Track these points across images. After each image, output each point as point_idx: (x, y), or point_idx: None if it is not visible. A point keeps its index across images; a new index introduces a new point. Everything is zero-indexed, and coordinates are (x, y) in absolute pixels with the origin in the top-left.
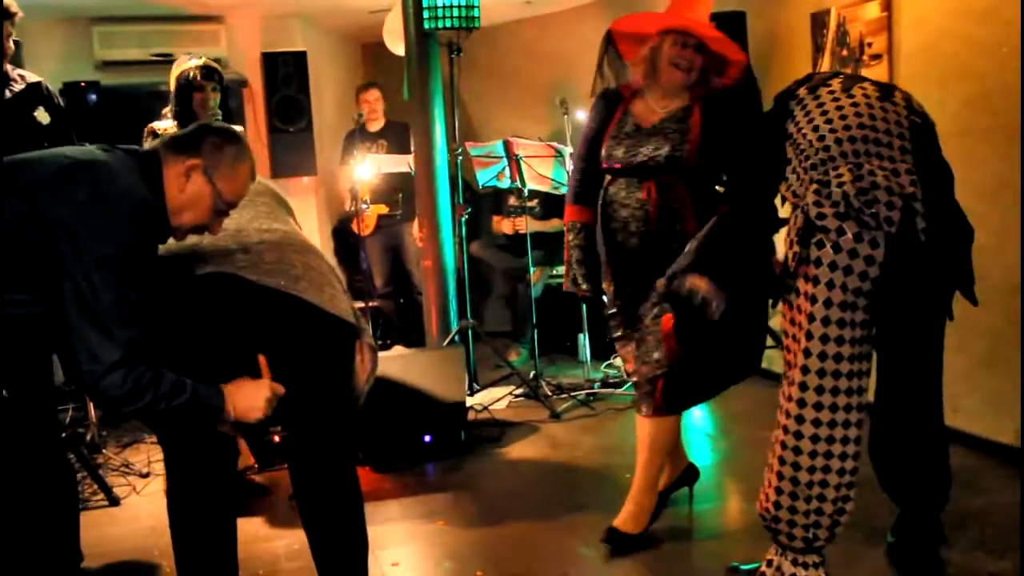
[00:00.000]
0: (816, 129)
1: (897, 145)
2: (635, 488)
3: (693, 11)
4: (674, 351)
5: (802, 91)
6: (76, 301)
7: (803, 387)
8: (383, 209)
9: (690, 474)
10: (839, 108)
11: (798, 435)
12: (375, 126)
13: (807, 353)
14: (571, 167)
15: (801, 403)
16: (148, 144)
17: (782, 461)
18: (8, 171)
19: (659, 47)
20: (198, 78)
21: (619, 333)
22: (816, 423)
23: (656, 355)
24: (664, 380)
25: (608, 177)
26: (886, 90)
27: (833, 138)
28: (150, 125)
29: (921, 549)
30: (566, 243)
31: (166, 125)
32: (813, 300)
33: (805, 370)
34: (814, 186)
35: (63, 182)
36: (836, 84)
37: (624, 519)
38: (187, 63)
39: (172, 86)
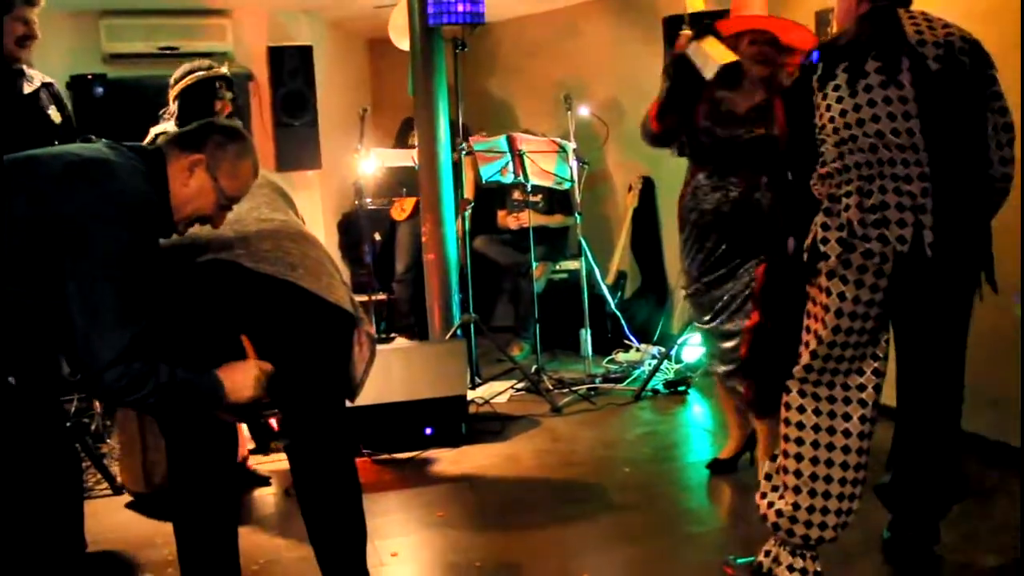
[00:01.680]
0: (836, 131)
1: (908, 144)
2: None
3: (751, 8)
4: (746, 351)
5: (815, 83)
6: (79, 297)
7: (803, 381)
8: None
9: (752, 441)
10: (843, 114)
11: (800, 425)
12: None
13: (814, 355)
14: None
15: (802, 393)
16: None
17: (785, 454)
18: (16, 167)
19: (736, 48)
20: (223, 87)
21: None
22: (817, 412)
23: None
24: (754, 383)
25: (694, 166)
26: (890, 67)
27: (845, 148)
28: (161, 129)
29: (917, 546)
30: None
31: (173, 127)
32: (825, 309)
33: (808, 368)
34: (825, 203)
35: (70, 179)
36: (843, 78)
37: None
38: (202, 70)
39: (180, 89)
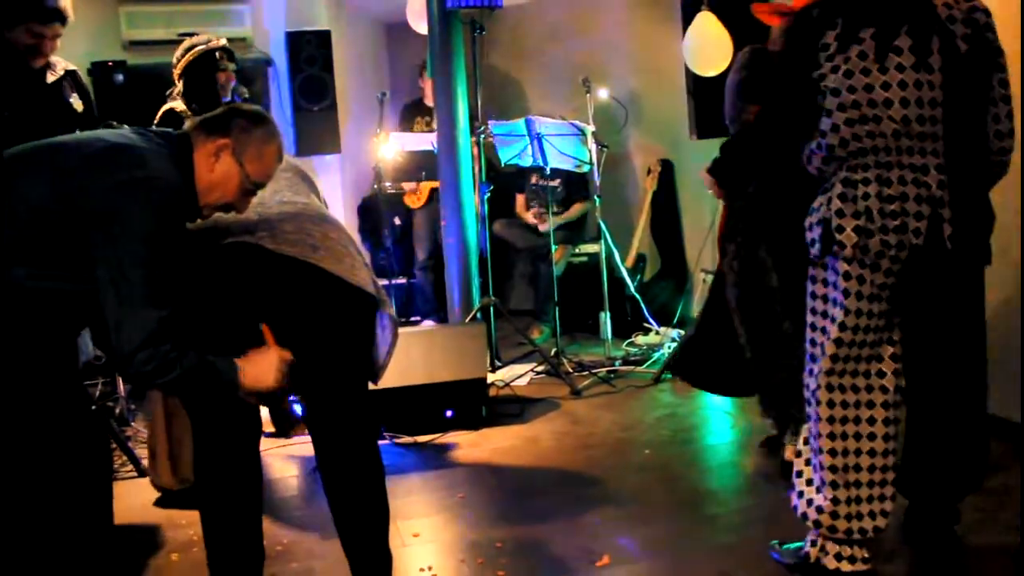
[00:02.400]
0: (843, 108)
1: (930, 132)
2: None
3: None
4: None
5: (832, 40)
6: (109, 281)
7: (831, 374)
8: (437, 184)
9: None
10: (868, 89)
11: (831, 420)
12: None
13: (838, 343)
14: None
15: (830, 388)
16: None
17: (820, 451)
18: (45, 154)
19: None
20: (223, 58)
21: None
22: (844, 405)
23: None
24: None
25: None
26: (923, 47)
27: (864, 130)
28: (168, 107)
29: (936, 527)
30: None
31: (182, 106)
32: (845, 294)
33: (835, 358)
34: (838, 187)
35: (98, 165)
36: (869, 44)
37: None
38: (201, 44)
39: (182, 66)
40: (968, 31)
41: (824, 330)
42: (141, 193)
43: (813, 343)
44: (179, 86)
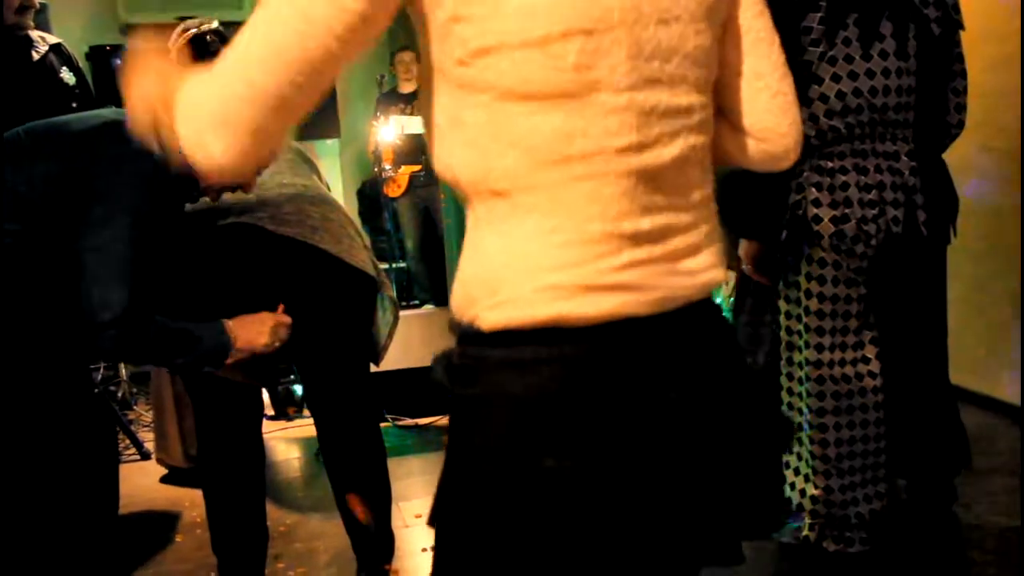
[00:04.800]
0: (824, 99)
1: (902, 120)
2: None
3: None
4: None
5: (815, 25)
6: (89, 251)
7: (818, 364)
8: (415, 168)
9: None
10: (853, 77)
11: (820, 412)
12: (408, 87)
13: (820, 332)
14: None
15: (820, 380)
16: None
17: (811, 441)
18: (41, 134)
19: None
20: (216, 41)
21: None
22: (836, 396)
23: None
24: None
25: None
26: (902, 34)
27: (843, 122)
28: None
29: (934, 504)
30: None
31: None
32: (820, 281)
33: (819, 348)
34: (812, 176)
35: (94, 139)
36: (853, 31)
37: None
38: (193, 27)
39: (176, 51)
40: (939, 14)
41: (800, 318)
42: (132, 167)
43: (789, 332)
44: None
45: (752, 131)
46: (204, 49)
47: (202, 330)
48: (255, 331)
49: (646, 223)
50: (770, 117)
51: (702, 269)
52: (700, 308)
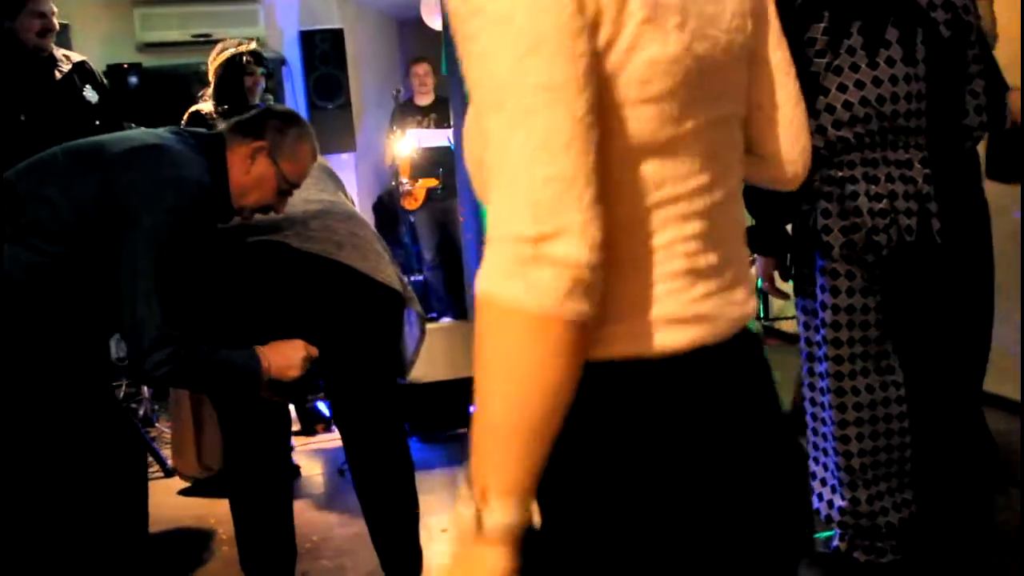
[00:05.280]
0: (831, 110)
1: (914, 127)
2: None
3: None
4: None
5: (819, 35)
6: (127, 278)
7: (838, 376)
8: (432, 183)
9: None
10: (859, 86)
11: (843, 424)
12: (424, 100)
13: (836, 343)
14: None
15: (840, 392)
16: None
17: (835, 452)
18: (85, 153)
19: None
20: (251, 63)
21: None
22: (858, 407)
23: None
24: None
25: None
26: (909, 39)
27: (852, 131)
28: (193, 108)
29: (966, 512)
30: None
31: (209, 107)
32: (834, 291)
33: (838, 360)
34: (821, 186)
35: (130, 164)
36: (857, 40)
37: None
38: (231, 47)
39: (214, 69)
40: (948, 16)
41: (818, 329)
42: (169, 193)
43: (808, 343)
44: (211, 87)
45: (763, 155)
46: (241, 70)
47: (237, 357)
48: (288, 359)
49: (713, 257)
50: (783, 144)
51: (745, 299)
52: (744, 336)
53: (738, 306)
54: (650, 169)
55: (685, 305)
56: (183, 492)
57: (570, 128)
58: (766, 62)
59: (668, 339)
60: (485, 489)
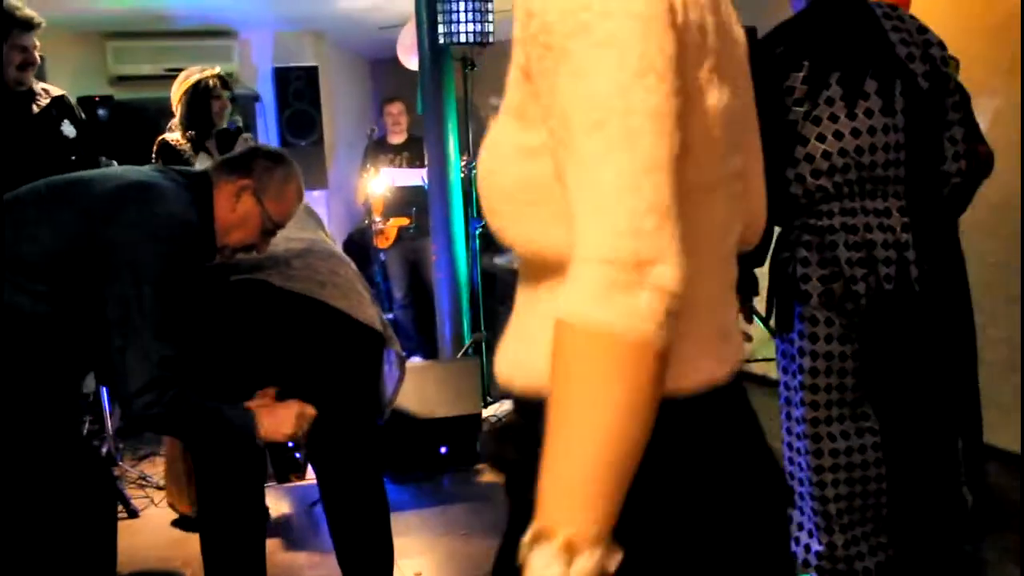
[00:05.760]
0: (810, 159)
1: (892, 176)
2: None
3: None
4: None
5: (798, 84)
6: (116, 320)
7: (815, 422)
8: (403, 221)
9: None
10: (838, 137)
11: (819, 469)
12: (398, 139)
13: (814, 389)
14: None
15: (816, 438)
16: (156, 158)
17: (811, 496)
18: (64, 188)
19: None
20: (217, 86)
21: None
22: (834, 453)
23: None
24: None
25: None
26: (888, 91)
27: (831, 181)
28: (161, 137)
29: (947, 553)
30: None
31: (176, 136)
32: (812, 339)
33: (815, 406)
34: (800, 235)
35: (116, 202)
36: (836, 90)
37: None
38: (196, 73)
39: (180, 95)
40: (927, 68)
41: (795, 375)
42: (156, 232)
43: (787, 387)
44: (177, 115)
45: None
46: (207, 94)
47: (231, 413)
48: (280, 421)
49: (728, 298)
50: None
51: (740, 340)
52: (738, 377)
53: (737, 347)
54: (698, 215)
55: (701, 344)
56: (175, 524)
57: (669, 159)
58: None
59: (682, 378)
60: (572, 534)
